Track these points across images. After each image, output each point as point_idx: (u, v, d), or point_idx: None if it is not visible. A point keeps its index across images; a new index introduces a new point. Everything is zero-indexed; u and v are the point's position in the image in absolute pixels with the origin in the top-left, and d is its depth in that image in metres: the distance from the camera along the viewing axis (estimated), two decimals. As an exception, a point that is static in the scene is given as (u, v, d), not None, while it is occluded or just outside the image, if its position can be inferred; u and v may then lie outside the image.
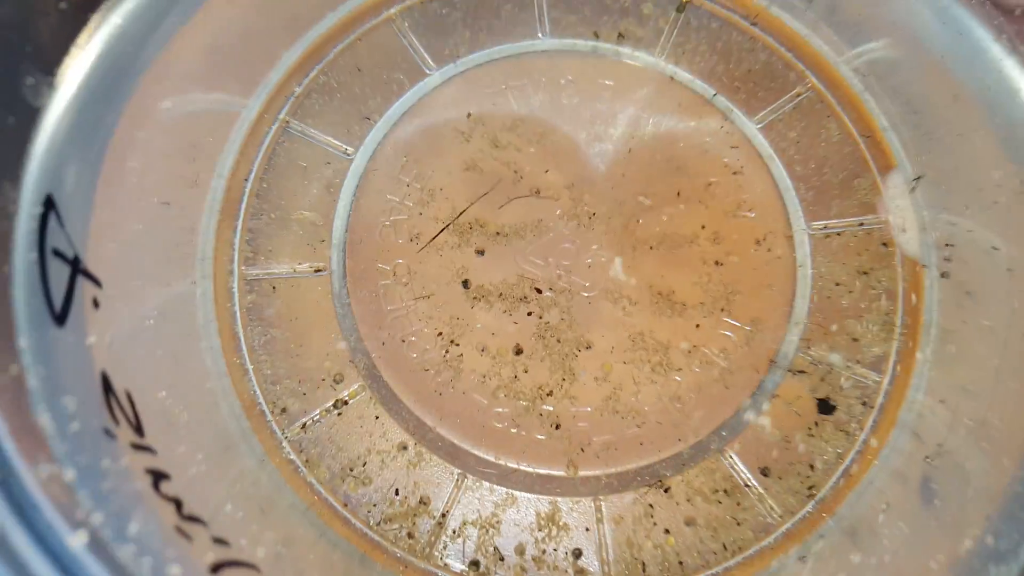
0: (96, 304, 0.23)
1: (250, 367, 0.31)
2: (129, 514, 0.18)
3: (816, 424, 0.29)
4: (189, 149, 0.31)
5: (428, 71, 0.34)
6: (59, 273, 0.21)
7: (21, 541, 0.15)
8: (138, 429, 0.21)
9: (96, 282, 0.23)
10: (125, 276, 0.25)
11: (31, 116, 0.21)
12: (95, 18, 0.24)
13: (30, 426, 0.17)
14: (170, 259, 0.29)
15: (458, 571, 0.28)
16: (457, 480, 0.29)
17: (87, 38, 0.24)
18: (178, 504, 0.20)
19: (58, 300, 0.20)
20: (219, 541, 0.20)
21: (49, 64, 0.22)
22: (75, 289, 0.21)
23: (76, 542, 0.15)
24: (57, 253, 0.21)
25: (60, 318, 0.20)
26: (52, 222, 0.21)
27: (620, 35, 0.34)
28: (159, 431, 0.23)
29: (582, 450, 0.30)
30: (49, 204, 0.21)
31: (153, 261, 0.28)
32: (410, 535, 0.28)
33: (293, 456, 0.30)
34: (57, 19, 0.23)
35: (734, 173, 0.32)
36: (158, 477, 0.20)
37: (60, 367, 0.20)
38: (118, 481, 0.18)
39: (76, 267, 0.22)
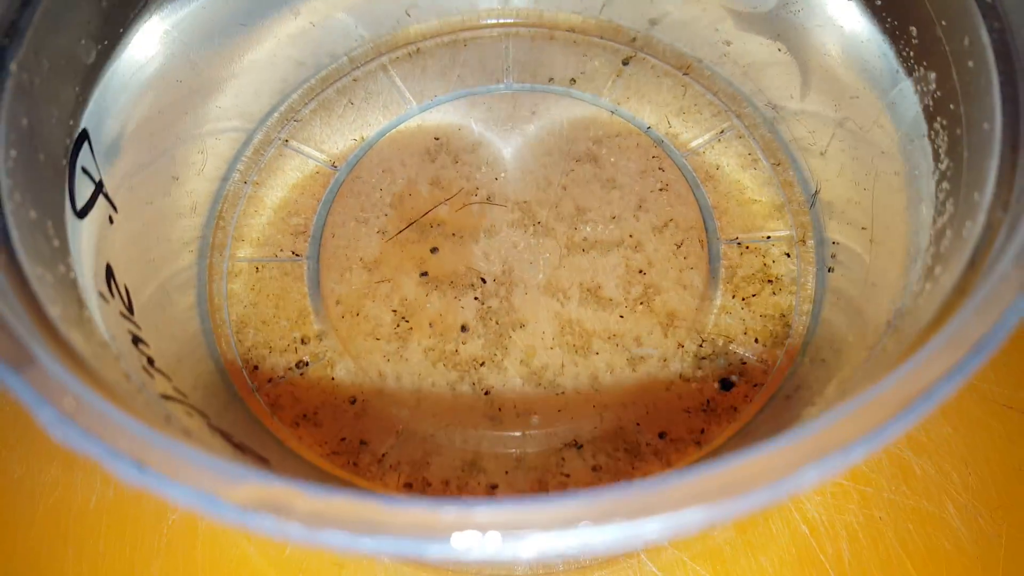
0: (111, 221, 0.28)
1: (232, 331, 0.36)
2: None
3: (711, 399, 0.34)
4: (203, 146, 0.37)
5: (408, 106, 0.41)
6: (85, 186, 0.27)
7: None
8: (129, 309, 0.26)
9: (113, 207, 0.29)
10: (136, 217, 0.31)
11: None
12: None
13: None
14: (173, 224, 0.35)
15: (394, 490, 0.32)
16: (396, 429, 0.34)
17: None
18: (150, 360, 0.25)
19: (80, 203, 0.26)
20: (178, 391, 0.25)
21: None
22: (96, 201, 0.27)
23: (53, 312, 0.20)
24: (85, 171, 0.27)
25: (80, 215, 0.26)
26: (85, 148, 0.27)
27: (572, 80, 0.41)
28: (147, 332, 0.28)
29: (501, 410, 0.34)
30: (84, 135, 0.27)
31: (159, 218, 0.34)
32: (355, 464, 0.33)
33: (260, 400, 0.34)
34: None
35: (661, 190, 0.38)
36: (138, 340, 0.25)
37: (74, 242, 0.25)
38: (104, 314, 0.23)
39: (99, 188, 0.27)
